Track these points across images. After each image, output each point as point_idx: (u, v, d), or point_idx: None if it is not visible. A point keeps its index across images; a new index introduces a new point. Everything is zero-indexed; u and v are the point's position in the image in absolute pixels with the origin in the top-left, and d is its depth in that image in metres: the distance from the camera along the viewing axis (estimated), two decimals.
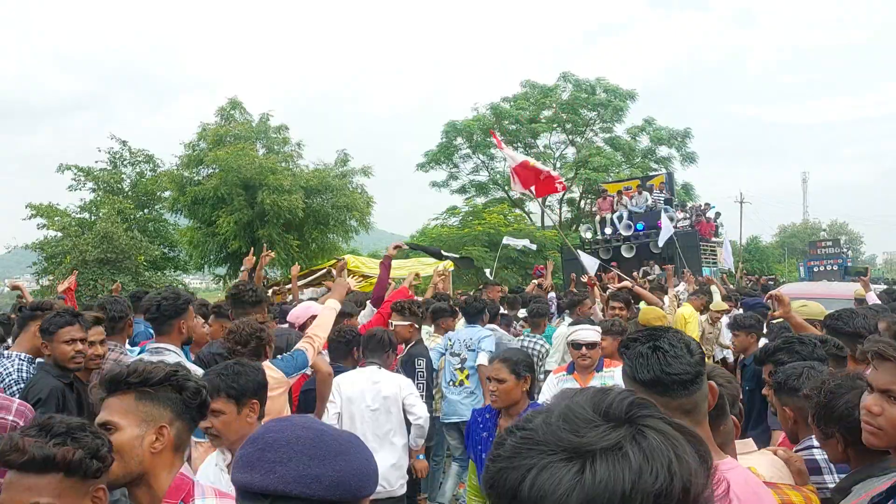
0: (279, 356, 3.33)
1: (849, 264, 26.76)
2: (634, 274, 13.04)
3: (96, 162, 21.99)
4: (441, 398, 5.47)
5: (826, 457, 2.10)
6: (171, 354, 3.25)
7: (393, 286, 6.24)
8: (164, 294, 3.41)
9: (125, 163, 22.40)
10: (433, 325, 5.98)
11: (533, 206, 25.74)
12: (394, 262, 5.88)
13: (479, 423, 3.27)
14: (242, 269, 6.10)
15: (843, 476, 1.98)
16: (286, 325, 4.77)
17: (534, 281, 10.27)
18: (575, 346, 4.13)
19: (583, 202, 31.70)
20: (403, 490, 3.87)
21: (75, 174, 21.33)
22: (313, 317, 4.66)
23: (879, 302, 6.03)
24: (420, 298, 6.52)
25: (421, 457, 4.20)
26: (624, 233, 17.04)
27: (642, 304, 6.60)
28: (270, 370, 3.17)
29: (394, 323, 4.79)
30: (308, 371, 3.46)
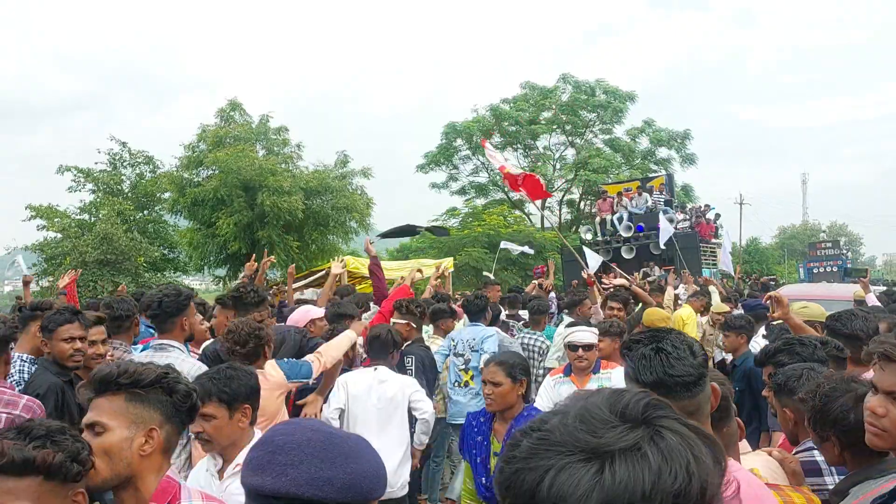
0: (285, 359, 3.32)
1: (848, 266, 26.74)
2: (635, 275, 13.05)
3: (96, 163, 22.05)
4: (444, 399, 5.46)
5: None
6: (176, 351, 3.22)
7: (397, 283, 6.26)
8: (165, 291, 3.35)
9: (125, 164, 22.44)
10: (432, 326, 5.98)
11: (532, 208, 25.75)
12: (394, 263, 5.88)
13: (474, 427, 3.24)
14: (243, 275, 6.09)
15: (844, 477, 1.98)
16: (284, 324, 4.77)
17: (534, 281, 10.27)
18: (571, 347, 4.09)
19: (582, 203, 31.70)
20: (405, 491, 3.86)
21: (75, 175, 21.36)
22: (312, 321, 4.66)
23: (879, 304, 6.04)
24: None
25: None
26: (624, 234, 17.06)
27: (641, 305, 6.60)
28: (274, 369, 3.17)
29: (392, 321, 4.79)
30: (310, 381, 3.45)
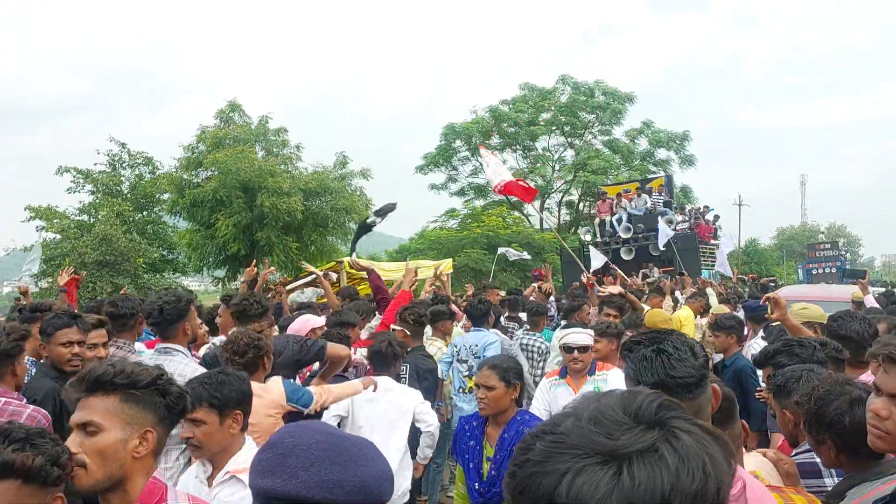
0: (291, 380, 3.29)
1: (847, 267, 26.77)
2: (634, 276, 13.06)
3: (95, 164, 22.06)
4: (451, 405, 5.46)
5: None
6: (179, 355, 3.21)
7: (396, 286, 6.27)
8: (165, 298, 3.29)
9: (124, 165, 22.46)
10: (431, 328, 5.97)
11: (531, 209, 25.74)
12: (394, 265, 5.88)
13: (466, 431, 3.22)
14: (242, 280, 6.07)
15: (840, 480, 1.98)
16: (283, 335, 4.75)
17: (534, 284, 10.26)
18: (567, 349, 4.06)
19: (581, 205, 31.70)
20: (405, 499, 3.83)
21: (74, 176, 21.36)
22: (313, 330, 4.63)
23: (877, 305, 6.04)
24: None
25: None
26: (623, 235, 17.07)
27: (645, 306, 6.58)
28: (276, 385, 3.14)
29: (392, 328, 4.79)
30: (305, 411, 3.41)
